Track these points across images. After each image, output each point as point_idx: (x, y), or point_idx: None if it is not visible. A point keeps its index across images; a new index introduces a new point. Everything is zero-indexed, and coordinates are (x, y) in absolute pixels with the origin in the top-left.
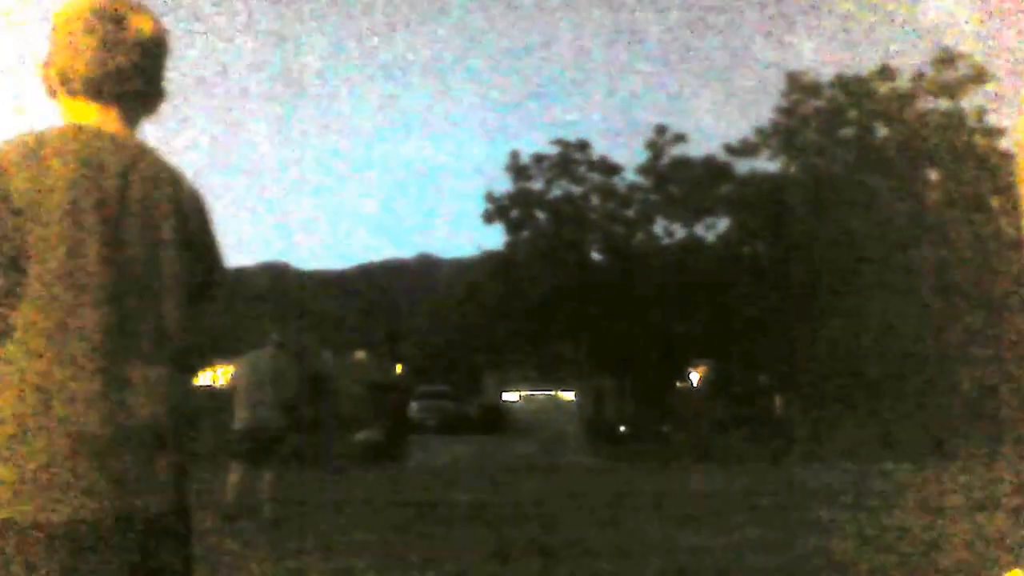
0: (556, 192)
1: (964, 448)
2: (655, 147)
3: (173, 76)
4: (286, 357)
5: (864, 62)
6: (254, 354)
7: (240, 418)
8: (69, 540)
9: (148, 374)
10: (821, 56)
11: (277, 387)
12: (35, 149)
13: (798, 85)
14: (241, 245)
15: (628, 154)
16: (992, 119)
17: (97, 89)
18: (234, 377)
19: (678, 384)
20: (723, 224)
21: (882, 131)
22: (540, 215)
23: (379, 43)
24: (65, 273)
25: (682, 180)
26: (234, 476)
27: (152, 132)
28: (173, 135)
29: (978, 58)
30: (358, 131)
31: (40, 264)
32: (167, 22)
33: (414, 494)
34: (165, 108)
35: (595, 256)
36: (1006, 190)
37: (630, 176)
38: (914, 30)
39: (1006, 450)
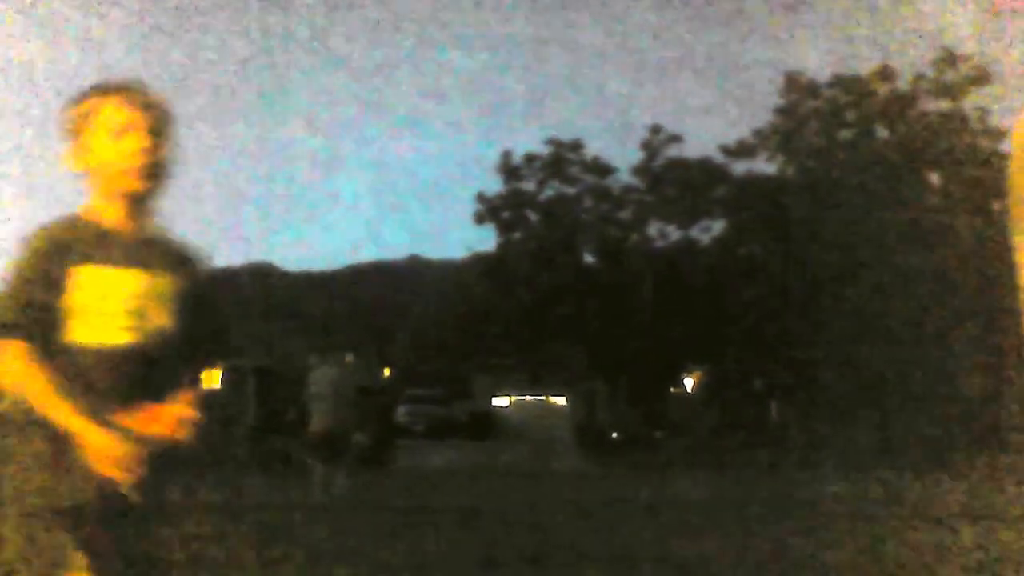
0: (548, 193)
1: (964, 456)
2: (650, 148)
3: (159, 73)
4: (347, 372)
5: (863, 62)
6: (321, 370)
7: (312, 423)
8: None
9: None
10: (820, 56)
11: (337, 398)
12: None
13: (796, 85)
14: (226, 245)
15: (622, 155)
16: (994, 121)
17: None
18: (308, 387)
19: (672, 389)
20: (719, 227)
21: (882, 132)
22: (532, 216)
23: (367, 40)
24: None
25: (677, 181)
26: (316, 469)
27: None
28: None
29: (979, 59)
30: (346, 130)
31: None
32: (151, 18)
33: (401, 500)
34: None
35: (588, 258)
36: (1004, 193)
37: (624, 177)
38: (914, 30)
39: (1007, 459)
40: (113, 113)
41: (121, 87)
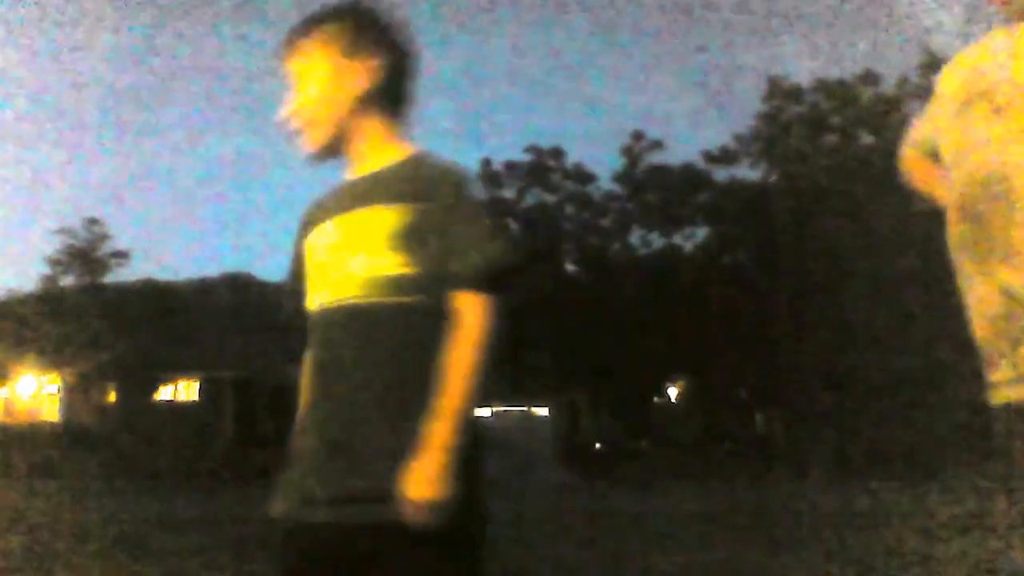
0: (529, 201)
1: (953, 466)
2: (631, 154)
3: (135, 80)
4: None
5: (847, 66)
6: None
7: None
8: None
9: None
10: (803, 60)
11: None
12: None
13: (779, 90)
14: (203, 256)
15: (604, 162)
16: None
17: None
18: None
19: (655, 399)
20: (702, 234)
21: (866, 138)
22: (513, 224)
23: None
24: None
25: (659, 188)
26: None
27: (116, 137)
28: (135, 139)
29: None
30: None
31: None
32: (125, 28)
33: None
34: (127, 113)
35: (569, 267)
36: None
37: (605, 184)
38: (899, 34)
39: (997, 468)
40: None
41: None
